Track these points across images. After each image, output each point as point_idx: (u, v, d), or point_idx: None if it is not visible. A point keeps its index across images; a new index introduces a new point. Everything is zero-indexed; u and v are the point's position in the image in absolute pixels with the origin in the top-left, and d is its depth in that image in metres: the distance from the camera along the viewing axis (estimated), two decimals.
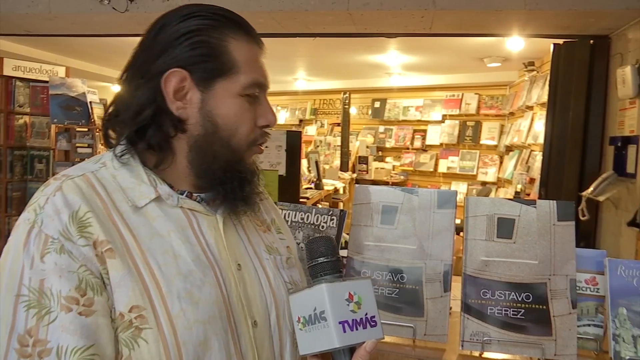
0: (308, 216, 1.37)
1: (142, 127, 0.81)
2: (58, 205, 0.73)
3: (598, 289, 1.25)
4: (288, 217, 1.39)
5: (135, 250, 0.75)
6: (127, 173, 0.81)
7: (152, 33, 0.82)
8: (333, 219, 1.35)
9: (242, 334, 0.80)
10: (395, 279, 1.27)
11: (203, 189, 0.85)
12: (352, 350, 0.66)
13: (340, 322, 0.65)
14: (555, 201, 1.26)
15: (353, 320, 0.66)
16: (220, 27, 0.81)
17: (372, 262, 1.29)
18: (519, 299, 1.23)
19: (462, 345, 1.24)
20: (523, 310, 1.22)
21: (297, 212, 1.38)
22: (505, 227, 1.27)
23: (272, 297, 0.86)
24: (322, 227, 1.36)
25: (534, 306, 1.22)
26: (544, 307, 1.22)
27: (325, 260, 0.70)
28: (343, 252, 1.39)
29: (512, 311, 1.23)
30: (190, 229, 0.81)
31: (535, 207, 1.26)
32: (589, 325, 1.25)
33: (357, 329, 0.66)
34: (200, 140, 0.81)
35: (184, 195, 0.83)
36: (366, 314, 0.67)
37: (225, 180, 0.82)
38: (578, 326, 1.26)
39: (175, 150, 0.83)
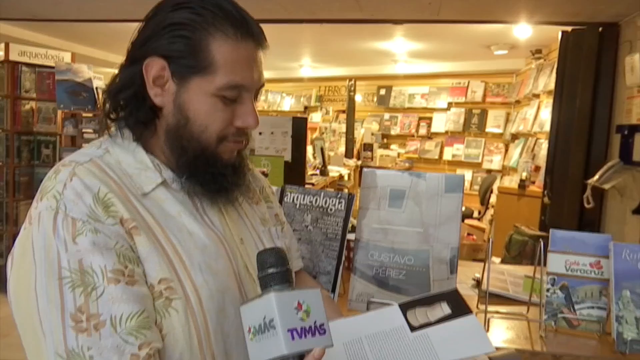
0: (316, 199, 1.39)
1: (122, 107, 0.85)
2: (78, 189, 0.75)
3: (602, 272, 1.27)
4: (296, 200, 1.41)
5: (155, 227, 0.79)
6: (131, 158, 0.83)
7: (146, 18, 0.85)
8: (341, 202, 1.37)
9: None
10: (402, 262, 1.29)
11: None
12: (301, 358, 0.67)
13: (289, 330, 0.66)
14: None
15: (302, 328, 0.67)
16: (207, 23, 0.80)
17: (380, 245, 1.31)
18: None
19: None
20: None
21: (306, 195, 1.40)
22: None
23: None
24: (331, 209, 1.37)
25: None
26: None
27: (274, 270, 0.71)
28: (351, 236, 1.41)
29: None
30: (195, 210, 0.86)
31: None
32: (592, 307, 1.27)
33: (305, 337, 0.67)
34: (172, 130, 0.83)
35: (184, 178, 0.86)
36: (315, 322, 0.68)
37: (196, 173, 0.84)
38: (582, 309, 1.28)
39: (158, 133, 0.85)
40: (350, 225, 1.40)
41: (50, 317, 0.70)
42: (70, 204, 0.74)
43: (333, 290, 1.35)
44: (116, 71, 0.87)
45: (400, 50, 6.36)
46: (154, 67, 0.81)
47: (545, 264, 1.30)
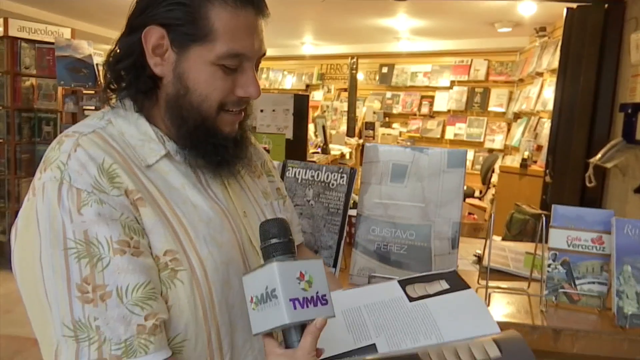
0: (318, 174, 1.39)
1: (122, 77, 0.83)
2: (82, 159, 0.74)
3: (604, 247, 1.27)
4: (298, 175, 1.40)
5: (160, 199, 0.79)
6: (134, 130, 0.83)
7: None
8: (343, 177, 1.37)
9: None
10: (404, 237, 1.30)
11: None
12: (303, 328, 0.68)
13: (290, 300, 0.66)
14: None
15: (304, 298, 0.67)
16: None
17: (381, 220, 1.31)
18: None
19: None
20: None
21: (308, 170, 1.40)
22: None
23: None
24: (332, 184, 1.37)
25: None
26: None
27: (277, 241, 0.71)
28: (352, 212, 1.41)
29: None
30: (199, 183, 0.86)
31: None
32: (593, 283, 1.28)
33: (307, 307, 0.67)
34: (172, 100, 0.82)
35: (186, 151, 0.85)
36: (317, 293, 0.68)
37: (197, 145, 0.83)
38: (583, 284, 1.28)
39: (159, 103, 0.84)
40: (352, 201, 1.40)
41: (56, 288, 0.70)
42: (75, 174, 0.73)
43: (335, 265, 1.36)
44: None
45: (402, 27, 6.30)
46: (153, 35, 0.79)
47: (546, 241, 1.30)
